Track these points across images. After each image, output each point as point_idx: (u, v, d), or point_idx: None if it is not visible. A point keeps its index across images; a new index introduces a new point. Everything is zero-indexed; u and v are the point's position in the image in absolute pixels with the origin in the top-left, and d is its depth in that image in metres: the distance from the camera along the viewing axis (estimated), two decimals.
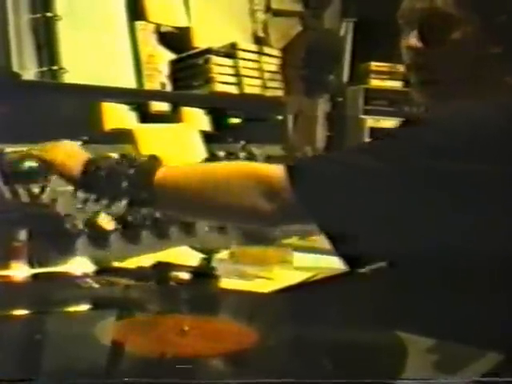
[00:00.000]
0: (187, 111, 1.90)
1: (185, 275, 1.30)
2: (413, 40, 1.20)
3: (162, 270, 1.31)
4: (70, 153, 1.26)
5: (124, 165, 1.16)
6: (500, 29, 1.16)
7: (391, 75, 2.59)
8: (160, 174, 1.12)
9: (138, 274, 1.31)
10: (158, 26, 2.11)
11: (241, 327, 0.99)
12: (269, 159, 2.01)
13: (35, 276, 1.31)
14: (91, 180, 1.19)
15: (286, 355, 0.95)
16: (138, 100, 1.80)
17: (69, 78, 1.79)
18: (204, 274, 1.33)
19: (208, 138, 1.88)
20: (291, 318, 1.11)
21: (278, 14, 2.56)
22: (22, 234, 1.37)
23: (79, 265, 1.35)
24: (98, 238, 1.48)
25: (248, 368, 0.87)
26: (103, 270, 1.33)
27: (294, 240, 1.70)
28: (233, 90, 2.13)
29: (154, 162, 1.18)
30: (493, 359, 0.85)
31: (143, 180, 1.12)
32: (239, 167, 1.14)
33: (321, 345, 0.95)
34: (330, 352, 0.93)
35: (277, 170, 1.07)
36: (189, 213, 1.25)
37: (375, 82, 2.59)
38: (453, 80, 1.19)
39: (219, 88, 2.08)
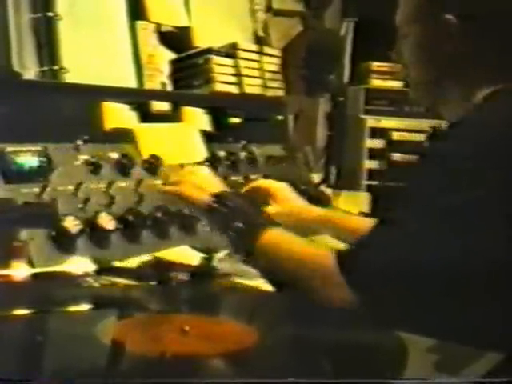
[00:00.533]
0: (188, 111, 1.90)
1: (185, 275, 1.30)
2: (411, 45, 1.22)
3: (163, 269, 1.31)
4: (200, 185, 1.31)
5: (240, 213, 1.21)
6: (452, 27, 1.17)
7: (392, 75, 2.58)
8: (264, 237, 1.16)
9: (139, 273, 1.31)
10: (159, 25, 2.11)
11: (241, 327, 0.99)
12: (269, 159, 2.01)
13: (35, 276, 1.31)
14: (212, 216, 1.26)
15: (286, 355, 0.95)
16: (138, 99, 1.80)
17: (69, 77, 1.79)
18: (205, 273, 1.34)
19: (208, 137, 1.88)
20: (292, 317, 1.11)
21: (278, 13, 2.57)
22: (23, 234, 1.37)
23: (80, 264, 1.35)
24: (98, 237, 1.48)
25: (248, 367, 0.87)
26: (104, 270, 1.33)
27: None
28: (233, 89, 2.13)
29: (262, 221, 1.21)
30: (492, 359, 0.85)
31: (247, 240, 1.17)
32: (312, 252, 1.14)
33: (321, 344, 0.95)
34: (330, 351, 0.93)
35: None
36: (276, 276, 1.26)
37: (376, 82, 2.58)
38: (440, 80, 1.20)
39: (220, 88, 2.08)
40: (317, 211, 1.51)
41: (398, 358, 0.90)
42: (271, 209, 1.61)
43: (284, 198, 1.55)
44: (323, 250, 1.11)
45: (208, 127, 1.92)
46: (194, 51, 2.14)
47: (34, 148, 1.49)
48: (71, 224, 1.43)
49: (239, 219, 1.19)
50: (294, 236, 1.18)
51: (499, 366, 0.84)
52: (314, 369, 0.85)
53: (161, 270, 1.33)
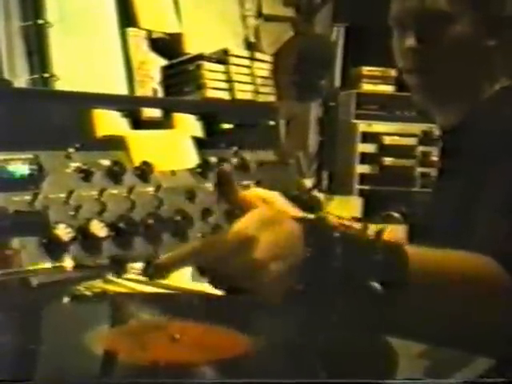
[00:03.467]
0: (179, 117, 1.90)
1: (139, 264, 1.33)
2: (410, 41, 1.19)
3: (119, 262, 1.33)
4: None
5: None
6: (494, 21, 1.17)
7: (383, 79, 2.59)
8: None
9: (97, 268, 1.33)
10: (150, 32, 2.11)
11: (233, 334, 0.99)
12: (261, 165, 2.01)
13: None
14: None
15: (279, 362, 0.95)
16: (129, 106, 1.80)
17: (60, 85, 1.79)
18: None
19: (200, 143, 1.88)
20: (284, 323, 1.11)
21: (269, 19, 2.57)
22: (15, 242, 1.36)
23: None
24: (90, 244, 1.48)
25: (241, 375, 0.87)
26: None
27: None
28: (224, 95, 2.13)
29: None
30: (483, 364, 0.86)
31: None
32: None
33: (313, 350, 0.95)
34: (323, 357, 0.93)
35: None
36: None
37: (367, 87, 2.60)
38: (453, 80, 1.20)
39: (211, 94, 2.08)
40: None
41: (388, 363, 0.90)
42: None
43: (277, 207, 1.55)
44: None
45: (199, 133, 1.92)
46: (185, 57, 2.15)
47: (24, 156, 1.48)
48: (63, 232, 1.42)
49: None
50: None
51: (490, 370, 0.84)
52: (307, 375, 0.85)
53: (117, 262, 1.36)
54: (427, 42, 1.18)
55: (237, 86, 2.16)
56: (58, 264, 1.35)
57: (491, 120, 1.15)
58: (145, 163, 1.69)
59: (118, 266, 1.33)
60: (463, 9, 1.16)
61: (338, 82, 2.63)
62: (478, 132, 1.15)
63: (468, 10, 1.16)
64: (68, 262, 1.36)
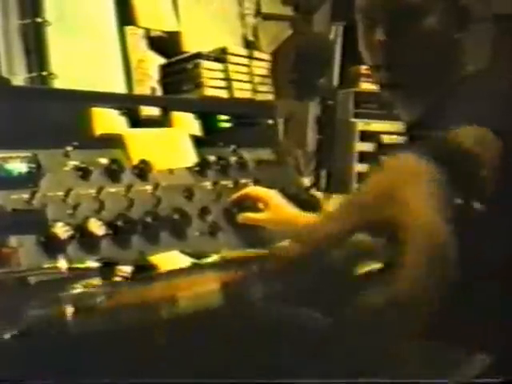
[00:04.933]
0: (177, 116, 1.90)
1: (128, 268, 1.34)
2: (379, 34, 1.17)
3: (108, 265, 1.34)
4: None
5: None
6: (462, 12, 1.16)
7: None
8: None
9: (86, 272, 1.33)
10: (148, 30, 2.12)
11: None
12: (260, 163, 2.01)
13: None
14: None
15: (278, 358, 0.95)
16: (128, 105, 1.80)
17: (58, 83, 1.79)
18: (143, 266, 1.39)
19: (198, 142, 1.88)
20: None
21: (267, 17, 2.57)
22: (12, 240, 1.36)
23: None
24: (88, 243, 1.48)
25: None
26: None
27: (284, 244, 1.70)
28: (223, 94, 2.13)
29: None
30: (481, 362, 0.86)
31: None
32: None
33: (310, 346, 0.95)
34: (318, 352, 0.93)
35: None
36: None
37: (365, 85, 2.59)
38: (419, 74, 1.19)
39: (209, 92, 2.08)
40: (306, 218, 1.51)
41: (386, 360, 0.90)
42: (262, 216, 1.61)
43: (274, 205, 1.55)
44: None
45: (198, 132, 1.92)
46: (183, 56, 2.15)
47: (23, 154, 1.48)
48: (61, 230, 1.42)
49: None
50: None
51: (487, 368, 0.84)
52: (305, 369, 0.85)
53: (106, 265, 1.37)
54: (397, 36, 1.17)
55: (235, 84, 2.16)
56: (52, 265, 1.35)
57: (454, 111, 1.13)
58: (143, 162, 1.69)
59: (108, 270, 1.34)
60: (433, 1, 1.15)
61: (336, 81, 2.63)
62: (443, 123, 1.13)
63: (438, 2, 1.15)
64: (62, 264, 1.36)
